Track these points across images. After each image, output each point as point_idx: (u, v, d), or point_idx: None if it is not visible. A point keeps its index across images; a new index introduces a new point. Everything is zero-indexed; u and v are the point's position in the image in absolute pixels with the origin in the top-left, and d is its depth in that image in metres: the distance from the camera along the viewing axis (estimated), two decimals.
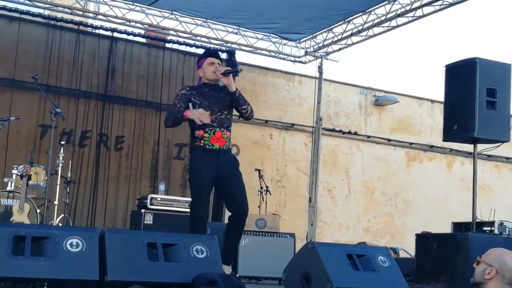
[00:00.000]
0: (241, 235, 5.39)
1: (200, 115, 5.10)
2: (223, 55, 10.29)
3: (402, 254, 8.70)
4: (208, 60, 5.34)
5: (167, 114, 5.46)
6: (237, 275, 5.68)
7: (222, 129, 5.17)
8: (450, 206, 11.58)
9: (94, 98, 9.24)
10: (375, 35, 9.49)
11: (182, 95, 5.25)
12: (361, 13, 9.20)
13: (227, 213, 5.36)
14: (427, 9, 8.37)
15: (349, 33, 9.69)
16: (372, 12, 9.07)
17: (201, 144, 5.13)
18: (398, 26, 9.01)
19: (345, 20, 9.51)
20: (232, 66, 9.55)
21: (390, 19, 8.91)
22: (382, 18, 9.00)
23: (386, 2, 8.72)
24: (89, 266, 3.84)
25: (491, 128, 6.46)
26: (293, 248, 7.52)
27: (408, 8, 8.51)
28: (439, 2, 8.14)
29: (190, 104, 5.18)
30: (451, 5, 8.09)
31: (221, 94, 5.30)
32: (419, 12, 8.50)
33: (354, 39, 9.82)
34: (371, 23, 9.24)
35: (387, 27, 9.16)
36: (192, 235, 5.69)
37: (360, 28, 9.43)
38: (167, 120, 5.29)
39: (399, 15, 8.74)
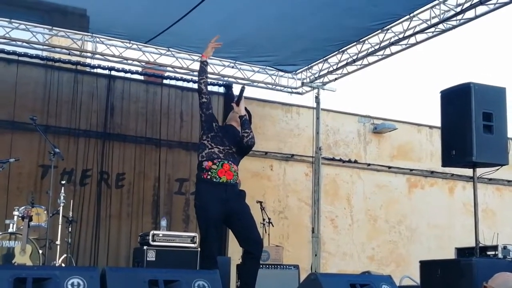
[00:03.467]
0: (257, 270, 5.27)
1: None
2: (221, 89, 10.39)
3: (408, 282, 8.62)
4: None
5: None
6: None
7: (230, 162, 5.15)
8: (453, 231, 11.53)
9: (94, 136, 9.27)
10: (370, 63, 9.55)
11: (211, 114, 5.38)
12: (355, 43, 9.27)
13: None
14: (420, 37, 8.44)
15: (344, 62, 9.75)
16: (366, 41, 9.14)
17: (208, 177, 5.09)
18: (392, 54, 9.08)
19: (340, 50, 9.58)
20: (231, 100, 9.64)
21: (384, 47, 8.98)
22: (376, 47, 9.08)
23: (379, 31, 8.79)
24: None
25: (489, 152, 6.47)
26: (298, 280, 7.49)
27: (401, 36, 8.59)
28: (432, 29, 8.22)
29: (213, 124, 5.30)
30: (443, 31, 8.16)
31: (237, 136, 5.33)
32: (412, 40, 8.57)
33: (349, 68, 9.87)
34: (365, 52, 9.31)
35: (381, 55, 9.23)
36: (193, 270, 5.67)
37: (354, 57, 9.50)
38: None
39: (392, 43, 8.82)
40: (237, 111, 5.35)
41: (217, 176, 5.07)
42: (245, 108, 5.47)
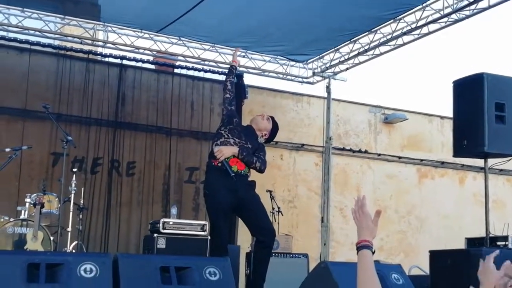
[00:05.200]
0: (269, 258, 5.34)
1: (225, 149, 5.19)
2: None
3: (417, 272, 8.61)
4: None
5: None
6: None
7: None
8: (463, 222, 11.49)
9: (105, 125, 9.30)
10: (381, 53, 9.51)
11: (233, 109, 5.60)
12: (367, 33, 9.23)
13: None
14: (432, 27, 8.38)
15: (356, 52, 9.71)
16: (378, 31, 9.10)
17: (220, 164, 5.11)
18: (404, 44, 9.01)
19: (351, 40, 9.55)
20: (241, 89, 9.64)
21: (396, 37, 8.93)
22: (388, 37, 9.02)
23: (392, 21, 8.75)
24: None
25: (501, 142, 6.45)
26: (307, 268, 7.50)
27: (413, 26, 8.53)
28: (444, 19, 8.16)
29: (234, 120, 5.49)
30: (456, 21, 8.10)
31: (255, 135, 5.48)
32: (424, 30, 8.51)
33: (361, 58, 9.84)
34: (377, 42, 9.26)
35: (394, 45, 9.17)
36: (205, 258, 5.71)
37: (366, 47, 9.46)
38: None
39: (405, 33, 8.76)
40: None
41: (229, 165, 5.10)
42: (273, 120, 5.68)
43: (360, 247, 2.34)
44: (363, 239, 2.39)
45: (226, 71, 6.47)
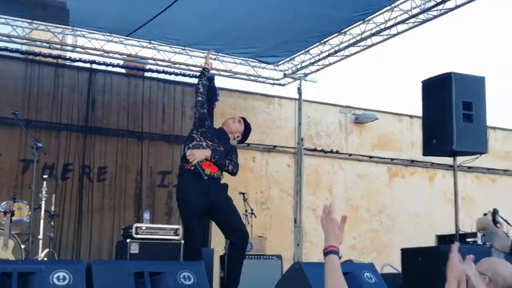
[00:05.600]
0: (243, 261, 5.36)
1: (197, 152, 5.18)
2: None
3: (389, 270, 8.69)
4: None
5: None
6: None
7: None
8: (434, 219, 11.62)
9: (75, 130, 9.20)
10: (351, 54, 9.59)
11: (205, 112, 5.61)
12: (336, 34, 9.31)
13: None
14: (401, 27, 8.50)
15: (326, 53, 9.79)
16: (347, 32, 9.18)
17: (192, 167, 5.12)
18: (373, 44, 9.12)
19: (321, 42, 9.61)
20: (212, 92, 9.62)
21: (365, 38, 9.02)
22: (358, 38, 9.12)
23: (361, 22, 8.84)
24: None
25: (469, 140, 6.56)
26: (280, 270, 7.52)
27: (382, 26, 8.64)
28: (413, 20, 8.28)
29: (206, 122, 5.53)
30: (424, 21, 8.22)
31: (226, 138, 5.49)
32: (393, 30, 8.63)
33: (331, 59, 9.91)
34: (347, 43, 9.35)
35: (363, 46, 9.27)
36: (179, 262, 5.70)
37: (336, 48, 9.55)
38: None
39: (373, 34, 8.86)
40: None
41: (202, 168, 5.09)
42: (245, 121, 5.67)
43: (327, 252, 2.43)
44: (330, 245, 2.50)
45: (198, 74, 6.53)
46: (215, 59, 10.08)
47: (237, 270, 5.25)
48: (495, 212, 4.73)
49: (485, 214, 5.06)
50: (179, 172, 5.41)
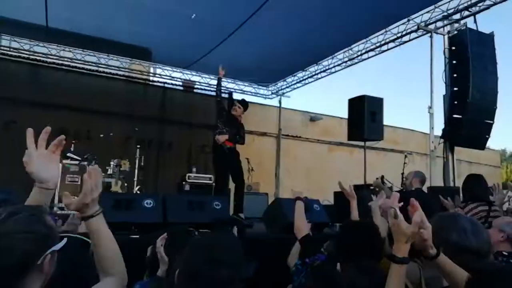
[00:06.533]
0: (243, 195, 5.20)
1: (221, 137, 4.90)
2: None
3: (327, 203, 8.64)
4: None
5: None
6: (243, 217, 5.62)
7: (232, 136, 5.10)
8: (352, 176, 11.44)
9: (155, 121, 8.86)
10: (321, 78, 9.09)
11: (222, 108, 5.14)
12: (314, 64, 8.89)
13: (231, 183, 5.28)
14: (357, 59, 8.08)
15: (305, 77, 9.32)
16: (319, 63, 8.79)
17: (219, 144, 5.05)
18: (336, 71, 8.65)
19: (304, 69, 9.17)
20: (231, 102, 9.48)
21: (332, 67, 8.62)
22: (326, 67, 8.71)
23: (330, 57, 8.42)
24: (158, 214, 3.89)
25: (373, 132, 6.59)
26: (267, 202, 7.46)
27: (345, 60, 8.26)
28: (365, 55, 7.87)
29: (223, 113, 5.07)
30: (357, 62, 7.97)
31: (238, 123, 5.20)
32: (349, 63, 8.25)
33: (307, 81, 9.46)
34: (320, 70, 8.92)
35: (329, 72, 8.80)
36: (212, 196, 5.67)
37: (312, 74, 9.11)
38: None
39: (339, 64, 8.47)
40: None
41: (225, 145, 5.09)
42: (242, 102, 5.27)
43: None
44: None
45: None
46: (232, 82, 9.96)
47: (240, 201, 5.03)
48: (382, 177, 4.91)
49: (377, 178, 5.21)
50: (212, 146, 5.32)
